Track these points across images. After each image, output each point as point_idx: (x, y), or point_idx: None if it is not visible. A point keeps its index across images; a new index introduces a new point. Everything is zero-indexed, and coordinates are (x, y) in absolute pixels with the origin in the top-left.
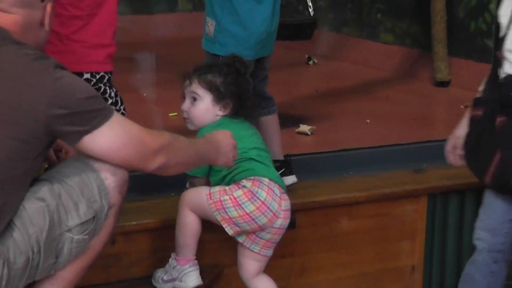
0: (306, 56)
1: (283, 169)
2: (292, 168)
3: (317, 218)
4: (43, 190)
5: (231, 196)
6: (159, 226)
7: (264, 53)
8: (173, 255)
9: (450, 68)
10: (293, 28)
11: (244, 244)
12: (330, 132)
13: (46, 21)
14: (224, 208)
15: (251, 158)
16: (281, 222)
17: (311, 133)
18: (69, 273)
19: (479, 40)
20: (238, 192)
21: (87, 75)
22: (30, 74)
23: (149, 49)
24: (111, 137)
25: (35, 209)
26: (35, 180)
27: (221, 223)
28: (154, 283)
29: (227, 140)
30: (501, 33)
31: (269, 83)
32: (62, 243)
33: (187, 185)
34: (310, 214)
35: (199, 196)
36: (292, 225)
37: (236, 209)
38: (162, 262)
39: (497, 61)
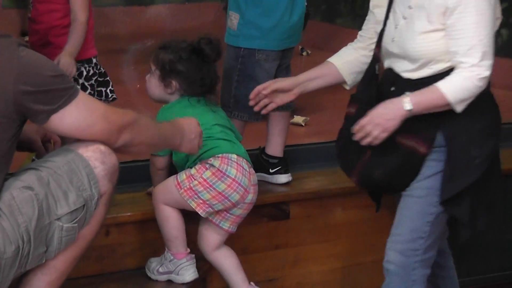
0: (300, 47)
1: (279, 167)
2: (288, 167)
3: (310, 209)
4: (32, 179)
5: (200, 180)
6: (153, 217)
7: (291, 44)
8: (167, 249)
9: None
10: None
11: (214, 221)
12: (324, 123)
13: None
14: (196, 194)
15: (217, 138)
16: (251, 197)
17: (305, 124)
18: (61, 262)
19: None
20: (207, 173)
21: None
22: None
23: (142, 41)
24: (78, 116)
25: (23, 198)
26: (23, 170)
27: (196, 209)
28: (149, 274)
29: (194, 127)
30: (378, 28)
31: None
32: (52, 231)
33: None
34: (303, 204)
35: (168, 189)
36: (285, 215)
37: (208, 191)
38: (156, 253)
39: (375, 57)
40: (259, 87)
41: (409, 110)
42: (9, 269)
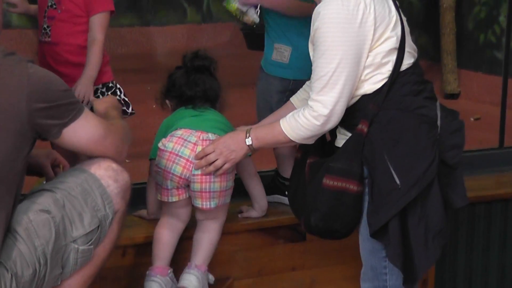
0: None
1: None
2: None
3: None
4: (48, 202)
5: (155, 169)
6: None
7: None
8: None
9: (459, 80)
10: None
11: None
12: None
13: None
14: (157, 183)
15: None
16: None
17: None
18: (75, 281)
19: (489, 52)
20: (156, 160)
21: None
22: (4, 73)
23: (158, 61)
24: (90, 128)
25: (40, 221)
26: (38, 191)
27: (162, 199)
28: None
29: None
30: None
31: None
32: (68, 254)
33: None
34: None
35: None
36: (301, 237)
37: (159, 174)
38: (174, 274)
39: None
40: None
41: (250, 145)
42: None
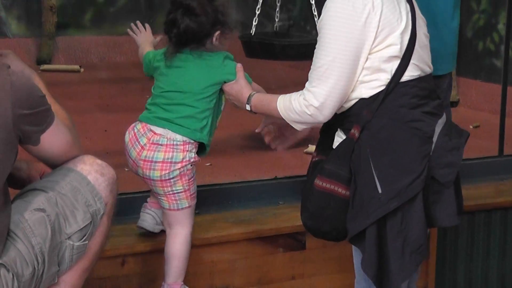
0: None
1: None
2: None
3: None
4: (41, 200)
5: None
6: None
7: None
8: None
9: (458, 88)
10: (302, 48)
11: None
12: None
13: None
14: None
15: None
16: (142, 172)
17: None
18: (71, 277)
19: (487, 60)
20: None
21: None
22: None
23: None
24: (64, 131)
25: (36, 220)
26: (28, 191)
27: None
28: None
29: None
30: None
31: None
32: (63, 251)
33: None
34: None
35: None
36: (301, 246)
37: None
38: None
39: None
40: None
41: (250, 111)
42: None
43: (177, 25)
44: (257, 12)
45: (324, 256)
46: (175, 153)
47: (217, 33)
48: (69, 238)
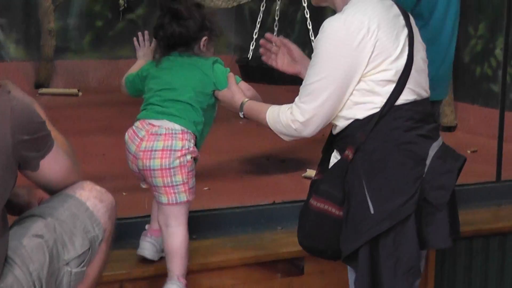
0: None
1: None
2: None
3: (324, 264)
4: (39, 226)
5: None
6: (166, 272)
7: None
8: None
9: (456, 113)
10: None
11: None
12: None
13: None
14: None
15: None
16: (142, 164)
17: None
18: None
19: (485, 85)
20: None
21: None
22: None
23: None
24: (64, 156)
25: (34, 246)
26: (26, 217)
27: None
28: None
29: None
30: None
31: None
32: (61, 277)
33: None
34: (318, 260)
35: None
36: (299, 271)
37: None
38: None
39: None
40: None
41: (242, 118)
42: None
43: (165, 28)
44: (255, 37)
45: (322, 281)
46: (174, 141)
47: (204, 38)
48: (67, 264)
